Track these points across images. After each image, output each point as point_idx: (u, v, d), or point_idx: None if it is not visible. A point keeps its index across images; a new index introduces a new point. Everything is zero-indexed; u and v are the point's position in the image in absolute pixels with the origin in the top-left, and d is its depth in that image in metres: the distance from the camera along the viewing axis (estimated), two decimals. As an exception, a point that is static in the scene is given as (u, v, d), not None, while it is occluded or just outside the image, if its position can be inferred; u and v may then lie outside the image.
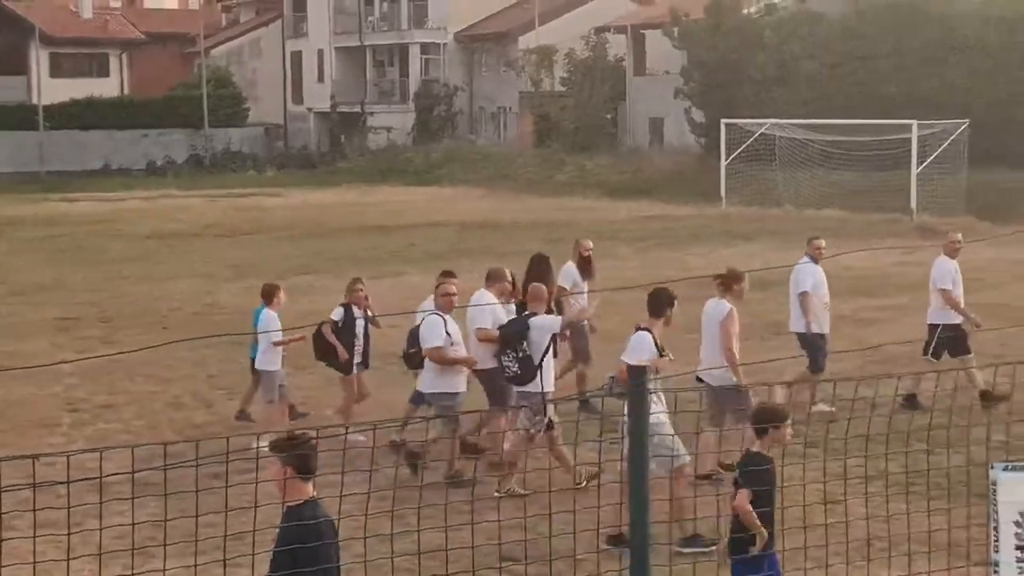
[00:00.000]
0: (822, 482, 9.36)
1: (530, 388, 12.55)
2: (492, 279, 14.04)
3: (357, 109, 70.38)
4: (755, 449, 8.52)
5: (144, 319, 23.50)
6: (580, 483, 11.14)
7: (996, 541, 6.22)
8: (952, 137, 38.36)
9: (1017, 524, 6.19)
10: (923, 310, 23.06)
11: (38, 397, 17.13)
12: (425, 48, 69.99)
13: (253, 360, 15.42)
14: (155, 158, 65.45)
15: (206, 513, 6.15)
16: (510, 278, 14.26)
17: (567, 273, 16.38)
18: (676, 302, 11.62)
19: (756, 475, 8.29)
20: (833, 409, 13.19)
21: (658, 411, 10.11)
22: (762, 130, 42.71)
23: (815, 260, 16.11)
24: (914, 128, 37.98)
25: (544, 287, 13.47)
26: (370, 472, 6.12)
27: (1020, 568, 6.25)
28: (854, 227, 36.50)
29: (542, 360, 12.56)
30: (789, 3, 52.33)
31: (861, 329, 21.72)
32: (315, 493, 6.70)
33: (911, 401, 15.01)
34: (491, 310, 13.56)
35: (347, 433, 7.26)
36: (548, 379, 12.66)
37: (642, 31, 59.19)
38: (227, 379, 18.17)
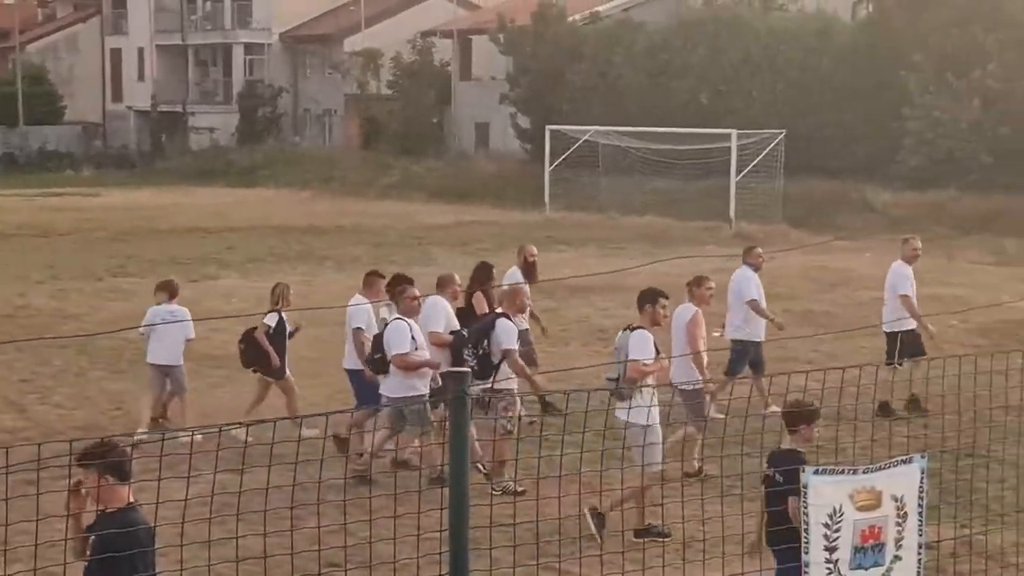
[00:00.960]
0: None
1: (488, 385, 12.71)
2: (443, 284, 14.32)
3: (179, 109, 69.26)
4: (787, 447, 8.39)
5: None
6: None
7: (807, 542, 6.39)
8: (769, 147, 39.30)
9: (826, 526, 6.37)
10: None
11: None
12: (249, 48, 69.19)
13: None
14: (-33, 156, 63.58)
15: (19, 521, 6.00)
16: (459, 282, 14.60)
17: (512, 277, 16.63)
18: (664, 301, 11.85)
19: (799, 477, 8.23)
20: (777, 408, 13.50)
21: (650, 410, 10.51)
22: (586, 137, 43.19)
23: (756, 268, 16.26)
24: (733, 137, 38.82)
25: (526, 289, 13.78)
26: (188, 478, 6.04)
27: (828, 568, 6.44)
28: (676, 233, 37.15)
29: (500, 362, 12.69)
30: (613, 12, 53.04)
31: (680, 334, 22.04)
32: (132, 499, 6.58)
33: (884, 408, 14.88)
34: (446, 313, 13.88)
35: (165, 438, 7.14)
36: (508, 380, 12.76)
37: (469, 36, 59.37)
38: (39, 382, 17.73)
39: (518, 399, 12.77)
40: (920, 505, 6.71)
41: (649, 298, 11.73)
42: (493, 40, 52.91)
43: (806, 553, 6.36)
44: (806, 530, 6.35)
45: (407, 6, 65.46)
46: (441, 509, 5.43)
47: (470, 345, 12.86)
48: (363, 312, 14.07)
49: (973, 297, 23.78)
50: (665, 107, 46.43)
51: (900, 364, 15.68)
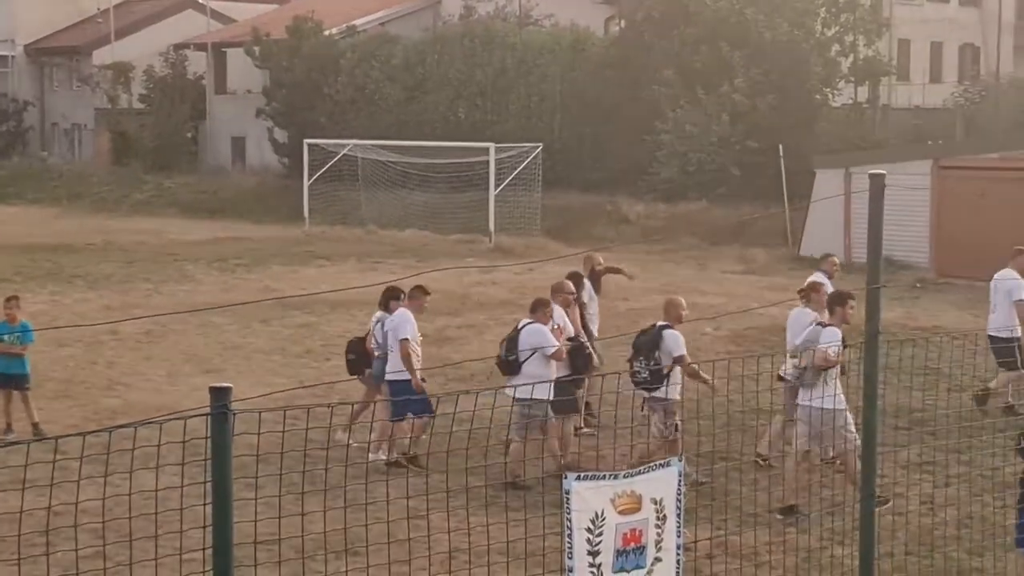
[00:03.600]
0: (405, 498, 9.50)
1: (658, 394, 13.33)
2: (556, 291, 15.01)
3: (-84, 123, 66.40)
4: None
5: None
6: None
7: (570, 548, 6.48)
8: (527, 161, 39.81)
9: (588, 531, 6.47)
10: (498, 328, 23.87)
11: None
12: (-9, 60, 66.86)
13: (20, 376, 15.85)
14: None
15: None
16: (572, 289, 15.24)
17: (585, 288, 16.77)
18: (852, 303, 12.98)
19: None
20: None
21: (837, 395, 12.16)
22: (344, 151, 43.02)
23: (830, 276, 16.40)
24: (491, 151, 39.18)
25: (681, 300, 14.25)
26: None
27: (592, 572, 6.54)
28: (436, 247, 37.32)
29: (670, 370, 13.38)
30: (369, 26, 53.01)
31: (442, 347, 22.19)
32: None
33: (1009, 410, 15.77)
34: (563, 321, 14.49)
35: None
36: (675, 387, 13.46)
37: (223, 49, 58.54)
38: None
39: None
40: (678, 507, 6.88)
41: (839, 300, 13.07)
42: (248, 53, 52.27)
43: (570, 558, 6.44)
44: (569, 536, 6.44)
45: (158, 19, 64.13)
46: (204, 527, 5.32)
47: (641, 357, 13.56)
48: (409, 323, 14.53)
49: (725, 305, 24.51)
50: (423, 121, 46.66)
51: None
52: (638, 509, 6.60)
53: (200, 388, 18.46)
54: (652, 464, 6.86)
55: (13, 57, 65.94)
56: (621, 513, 6.54)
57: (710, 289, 28.48)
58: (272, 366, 20.29)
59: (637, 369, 13.60)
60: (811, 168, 35.09)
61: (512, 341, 14.05)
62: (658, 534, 6.73)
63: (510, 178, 39.46)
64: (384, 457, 14.32)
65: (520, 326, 14.12)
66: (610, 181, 42.57)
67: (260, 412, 5.77)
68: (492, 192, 38.94)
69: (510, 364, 13.96)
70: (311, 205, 42.84)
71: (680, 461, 6.97)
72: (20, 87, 65.47)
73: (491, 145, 39.44)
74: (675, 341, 13.51)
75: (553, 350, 13.76)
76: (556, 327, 14.20)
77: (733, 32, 41.15)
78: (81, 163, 59.96)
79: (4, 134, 63.90)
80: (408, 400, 13.99)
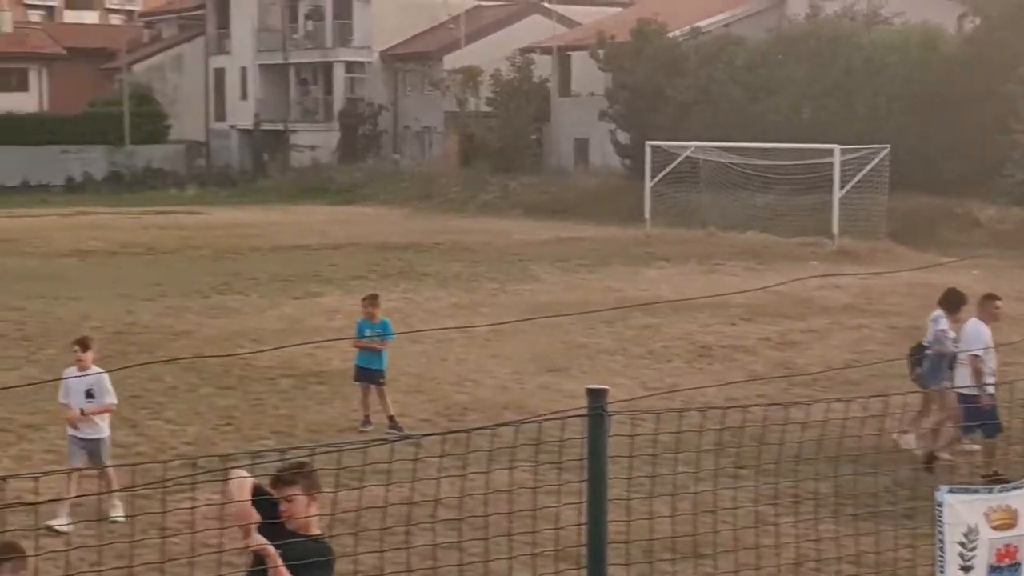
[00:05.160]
0: (754, 504, 9.40)
1: None
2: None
3: (281, 127, 70.01)
4: None
5: (66, 338, 23.07)
6: None
7: (942, 561, 6.32)
8: (874, 162, 38.80)
9: (961, 544, 6.28)
10: (841, 333, 23.34)
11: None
12: (350, 67, 69.79)
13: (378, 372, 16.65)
14: (74, 174, 64.74)
15: (141, 539, 6.04)
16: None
17: None
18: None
19: None
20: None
21: None
22: (687, 153, 42.97)
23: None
24: (836, 153, 38.39)
25: None
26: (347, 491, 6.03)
27: (964, 587, 6.34)
28: (777, 249, 36.82)
29: None
30: (713, 28, 52.80)
31: (785, 351, 21.89)
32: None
33: None
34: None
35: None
36: None
37: (568, 53, 59.45)
38: (150, 399, 17.90)
39: None
40: (1057, 525, 6.58)
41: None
42: (592, 56, 52.90)
43: (941, 572, 6.27)
44: (941, 549, 6.26)
45: (506, 23, 65.67)
46: (579, 525, 5.38)
47: None
48: (979, 336, 14.29)
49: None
50: (766, 122, 46.10)
51: None
52: (1013, 525, 6.37)
53: (545, 386, 18.91)
54: (1026, 480, 6.59)
55: (370, 63, 68.68)
56: (995, 528, 6.33)
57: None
58: (615, 367, 20.43)
59: None
60: None
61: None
62: (1034, 551, 6.45)
63: (855, 180, 38.54)
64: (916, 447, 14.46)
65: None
66: (960, 183, 41.02)
67: (633, 414, 5.80)
68: (836, 194, 38.13)
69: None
70: (652, 206, 42.98)
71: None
72: (376, 92, 68.12)
73: (836, 147, 38.63)
74: None
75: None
76: None
77: (1099, 26, 39.08)
78: (430, 165, 61.96)
79: (361, 137, 66.62)
80: (978, 419, 13.76)
